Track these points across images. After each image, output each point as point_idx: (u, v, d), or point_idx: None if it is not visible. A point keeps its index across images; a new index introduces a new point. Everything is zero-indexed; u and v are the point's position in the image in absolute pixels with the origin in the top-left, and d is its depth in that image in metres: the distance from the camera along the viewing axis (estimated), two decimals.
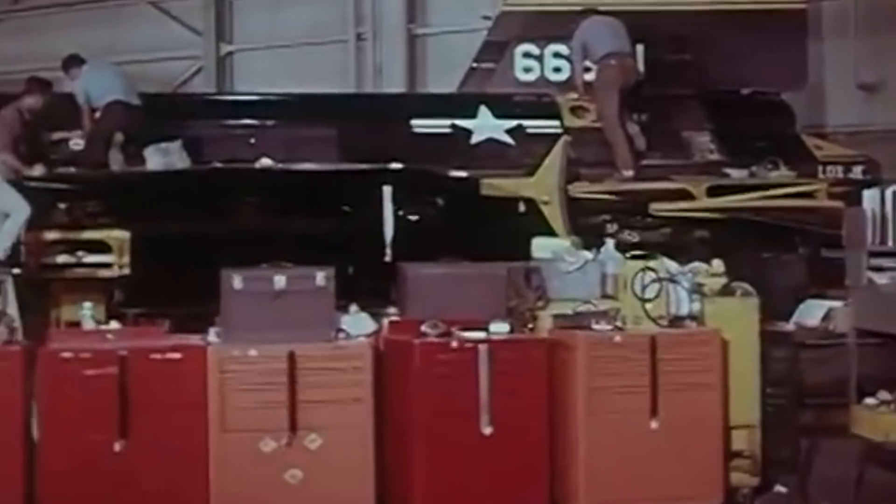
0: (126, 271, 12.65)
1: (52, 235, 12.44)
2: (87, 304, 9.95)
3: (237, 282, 9.06)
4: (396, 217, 11.97)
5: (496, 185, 13.12)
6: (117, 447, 8.70)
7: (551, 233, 12.66)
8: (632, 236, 13.57)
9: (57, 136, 12.56)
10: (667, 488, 9.30)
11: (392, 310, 10.44)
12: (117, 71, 13.57)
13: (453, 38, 18.49)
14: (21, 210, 11.96)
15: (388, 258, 11.75)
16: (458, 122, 13.74)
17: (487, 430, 9.03)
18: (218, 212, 12.64)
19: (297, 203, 12.29)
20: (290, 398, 8.88)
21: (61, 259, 12.62)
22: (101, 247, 12.67)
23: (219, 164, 12.57)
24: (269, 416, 8.87)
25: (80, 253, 12.66)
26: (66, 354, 8.76)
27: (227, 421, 8.83)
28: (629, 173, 13.54)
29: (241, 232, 12.68)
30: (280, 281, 9.09)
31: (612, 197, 13.60)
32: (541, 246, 10.53)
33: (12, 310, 10.33)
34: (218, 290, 12.79)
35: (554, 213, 13.19)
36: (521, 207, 13.17)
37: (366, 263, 11.22)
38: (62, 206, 12.64)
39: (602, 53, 13.59)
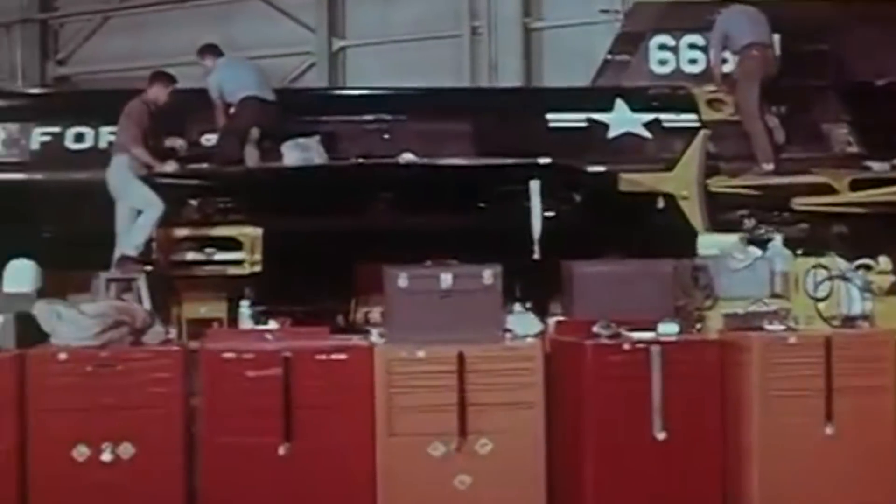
0: (257, 269, 12.34)
1: (182, 232, 12.17)
2: (245, 303, 9.59)
3: (402, 280, 8.66)
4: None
5: (634, 180, 12.63)
6: (282, 451, 8.34)
7: (690, 229, 12.21)
8: (769, 231, 13.02)
9: (169, 142, 12.16)
10: (841, 495, 8.83)
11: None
12: (252, 66, 13.26)
13: (569, 31, 18.01)
14: (154, 207, 11.71)
15: (536, 256, 11.29)
16: (595, 116, 13.24)
17: (661, 436, 8.57)
18: (355, 208, 12.31)
19: (439, 199, 11.90)
20: (460, 401, 8.47)
21: (190, 256, 12.34)
22: (232, 244, 12.39)
23: (360, 160, 12.10)
24: (437, 419, 8.47)
25: (209, 250, 12.37)
26: (229, 355, 8.42)
27: (395, 424, 8.44)
28: (769, 167, 13.02)
29: (377, 229, 12.37)
30: (446, 279, 8.68)
31: (752, 191, 13.05)
32: (707, 242, 10.06)
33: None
34: (350, 287, 12.76)
35: (693, 209, 12.74)
36: (661, 203, 12.68)
37: (514, 261, 10.77)
38: (193, 202, 12.33)
39: (743, 43, 13.09)
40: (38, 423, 8.24)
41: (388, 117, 12.94)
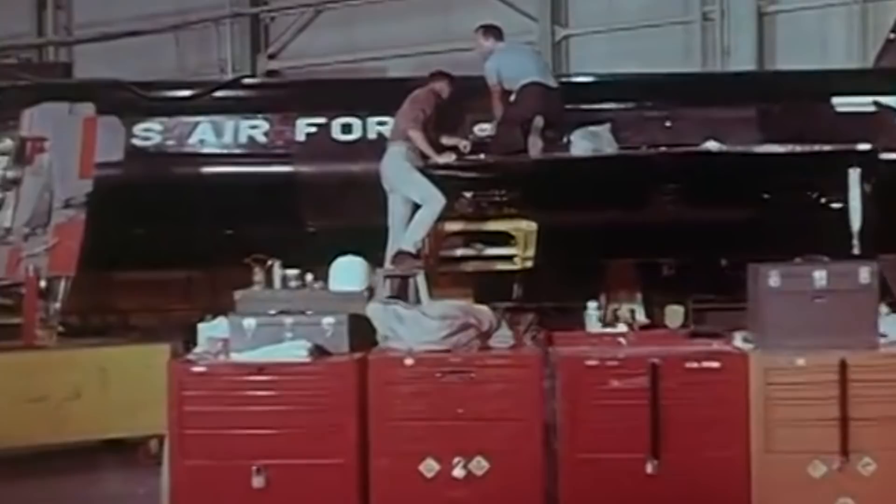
0: (528, 265, 11.38)
1: (454, 227, 11.22)
2: (593, 304, 8.57)
3: (774, 279, 7.58)
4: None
5: None
6: (649, 468, 7.33)
7: None
8: None
9: (448, 140, 11.22)
10: None
11: None
12: (532, 52, 12.31)
13: (805, 15, 16.76)
14: (435, 200, 10.79)
15: (855, 251, 10.14)
16: (882, 99, 12.01)
17: None
18: (640, 200, 11.29)
19: (737, 189, 10.83)
20: (842, 415, 7.35)
21: (460, 252, 11.41)
22: (503, 239, 11.44)
23: (661, 149, 11.04)
24: (817, 435, 7.41)
25: (478, 245, 11.43)
26: (592, 362, 7.41)
27: (772, 440, 7.38)
28: None
29: (662, 222, 11.33)
30: (821, 278, 7.57)
31: None
32: None
33: None
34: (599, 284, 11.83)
35: None
36: None
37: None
38: (467, 195, 11.38)
39: None
40: (382, 434, 7.33)
41: (670, 104, 11.77)
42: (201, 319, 14.24)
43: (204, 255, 11.99)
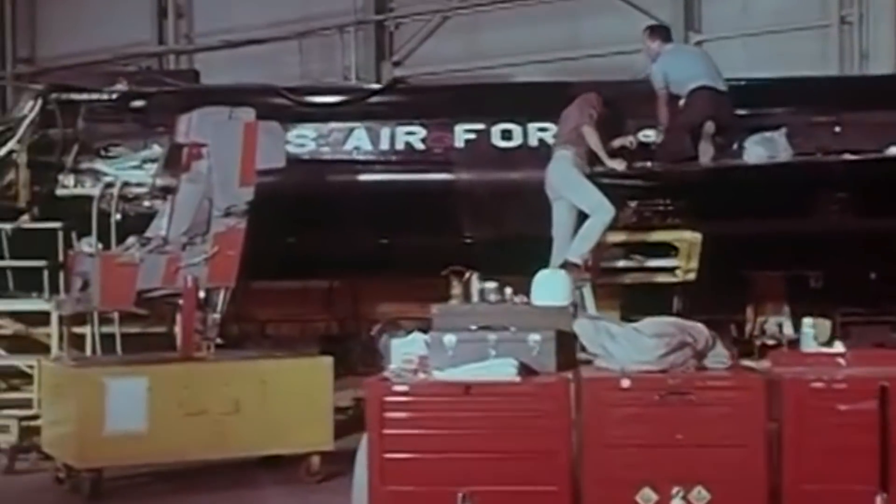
0: (690, 277, 10.72)
1: (616, 237, 10.58)
2: (808, 321, 7.87)
3: None
4: None
5: None
6: (878, 502, 6.58)
7: None
8: None
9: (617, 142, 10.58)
10: None
11: None
12: (702, 53, 11.71)
13: None
14: (605, 210, 10.23)
15: None
16: None
17: None
18: (809, 209, 10.62)
19: None
20: None
21: (621, 263, 10.79)
22: (666, 250, 10.79)
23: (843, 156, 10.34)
24: None
25: (638, 256, 10.79)
26: (817, 384, 6.72)
27: None
28: None
29: (834, 232, 10.68)
30: None
31: None
32: None
33: None
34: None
35: None
36: None
37: None
38: (632, 204, 10.73)
39: None
40: (596, 459, 6.69)
41: (839, 108, 11.04)
42: (342, 330, 13.92)
43: (351, 263, 11.44)
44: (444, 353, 6.88)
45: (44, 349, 11.31)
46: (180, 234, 9.56)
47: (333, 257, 11.31)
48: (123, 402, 8.97)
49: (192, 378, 9.25)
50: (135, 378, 9.06)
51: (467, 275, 7.91)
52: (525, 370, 6.81)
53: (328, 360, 9.59)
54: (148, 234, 9.87)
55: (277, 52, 19.05)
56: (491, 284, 7.72)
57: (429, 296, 13.42)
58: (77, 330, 10.53)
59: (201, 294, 9.50)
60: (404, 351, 7.06)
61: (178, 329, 10.21)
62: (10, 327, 12.01)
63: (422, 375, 6.86)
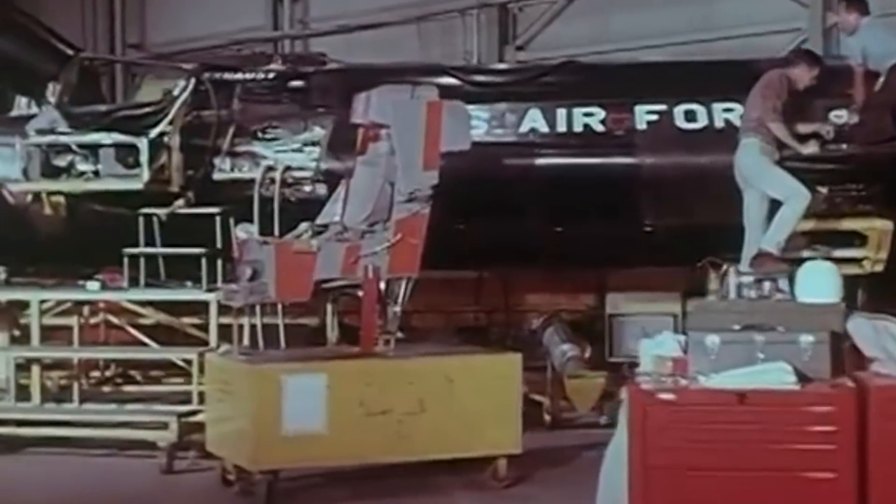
0: (878, 268, 9.71)
1: (804, 226, 9.56)
2: None
3: None
4: None
5: None
6: None
7: None
8: None
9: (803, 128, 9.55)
10: None
11: None
12: None
13: None
14: (800, 197, 9.22)
15: None
16: None
17: None
18: None
19: None
20: None
21: (806, 253, 9.75)
22: (851, 239, 9.78)
23: None
24: None
25: (824, 247, 9.75)
26: None
27: None
28: None
29: None
30: None
31: None
32: None
33: None
34: None
35: None
36: None
37: None
38: (823, 190, 9.71)
39: None
40: (888, 481, 5.64)
41: None
42: (490, 322, 13.00)
43: (515, 253, 10.51)
44: (706, 355, 5.95)
45: (185, 340, 10.56)
46: (360, 221, 8.63)
47: (496, 246, 10.38)
48: (301, 401, 8.15)
49: (374, 375, 8.38)
50: (313, 375, 8.24)
51: (724, 267, 6.93)
52: (799, 377, 5.83)
53: (517, 357, 8.68)
54: (320, 220, 8.95)
55: (395, 37, 18.11)
56: (748, 278, 6.72)
57: (579, 287, 12.66)
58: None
59: (382, 285, 8.56)
60: (656, 352, 6.09)
61: (329, 321, 9.46)
62: (152, 317, 11.30)
63: (683, 381, 5.88)
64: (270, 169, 10.04)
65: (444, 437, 8.41)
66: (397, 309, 8.72)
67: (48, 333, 10.65)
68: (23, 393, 10.11)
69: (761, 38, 15.55)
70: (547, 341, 10.92)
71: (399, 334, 8.79)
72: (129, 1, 21.58)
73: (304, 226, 8.87)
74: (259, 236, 9.42)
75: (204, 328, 10.56)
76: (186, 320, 10.98)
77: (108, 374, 11.69)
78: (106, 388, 11.38)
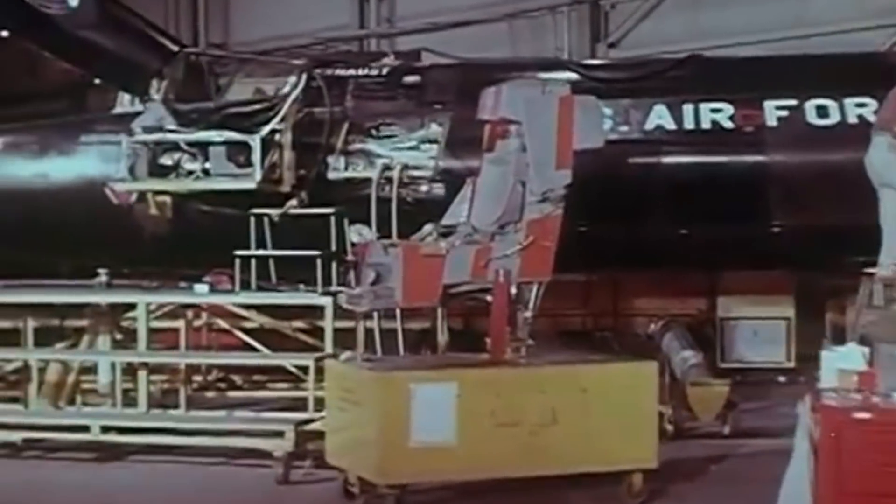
0: None
1: None
2: None
3: None
4: None
5: None
6: None
7: None
8: None
9: None
10: None
11: None
12: None
13: None
14: None
15: None
16: None
17: None
18: None
19: None
20: None
21: None
22: None
23: None
24: None
25: None
26: None
27: None
28: None
29: None
30: None
31: None
32: None
33: None
34: None
35: None
36: None
37: None
38: None
39: None
40: None
41: None
42: (596, 326, 12.52)
43: (631, 256, 10.00)
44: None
45: (285, 343, 10.21)
46: (490, 223, 8.14)
47: (611, 248, 9.88)
48: (431, 411, 7.67)
49: (505, 385, 7.90)
50: (443, 384, 7.74)
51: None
52: None
53: (653, 365, 8.16)
54: (445, 221, 8.47)
55: (483, 35, 17.63)
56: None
57: (689, 290, 12.14)
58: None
59: (513, 289, 8.07)
60: (840, 365, 5.55)
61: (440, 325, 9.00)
62: (256, 320, 10.91)
63: (874, 398, 5.34)
64: (387, 168, 9.56)
65: (577, 450, 7.91)
66: (528, 315, 8.21)
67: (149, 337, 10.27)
68: (125, 398, 9.73)
69: (856, 34, 14.98)
70: (666, 347, 10.40)
71: (530, 341, 8.27)
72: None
73: (428, 227, 8.39)
74: (376, 238, 8.95)
75: (311, 332, 10.18)
76: (293, 324, 10.59)
77: (209, 378, 11.35)
78: (209, 394, 11.02)
